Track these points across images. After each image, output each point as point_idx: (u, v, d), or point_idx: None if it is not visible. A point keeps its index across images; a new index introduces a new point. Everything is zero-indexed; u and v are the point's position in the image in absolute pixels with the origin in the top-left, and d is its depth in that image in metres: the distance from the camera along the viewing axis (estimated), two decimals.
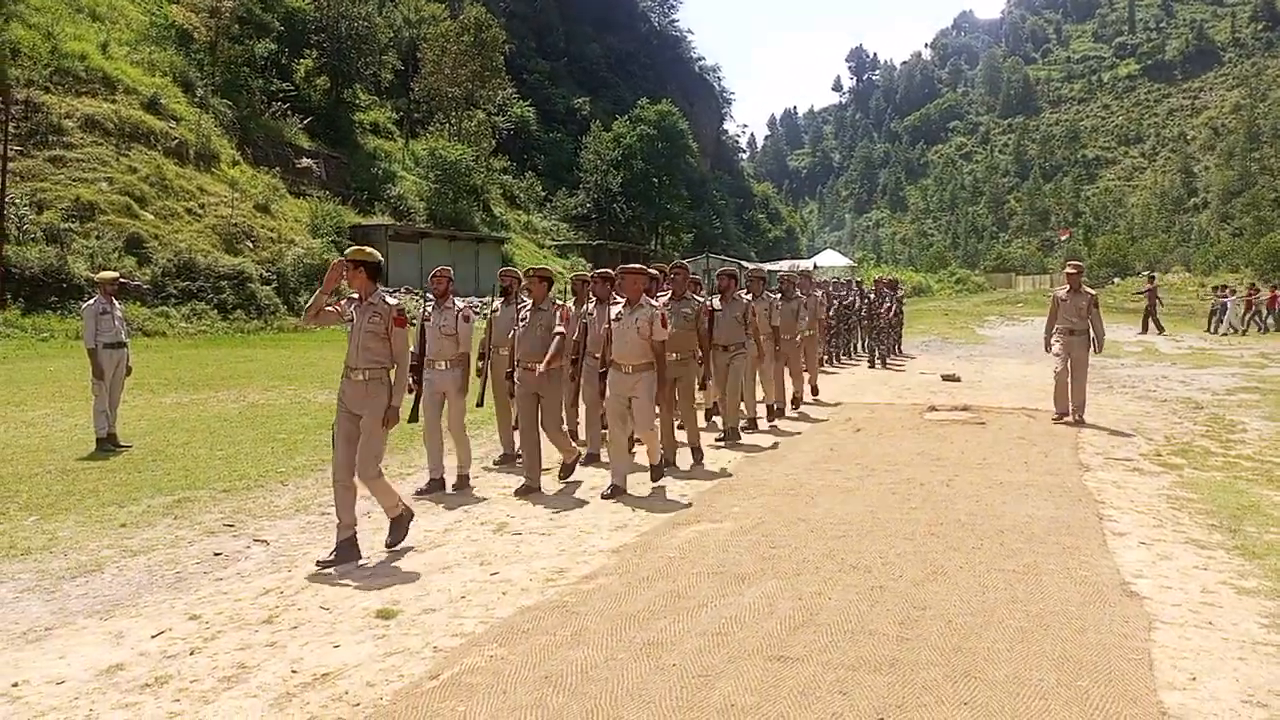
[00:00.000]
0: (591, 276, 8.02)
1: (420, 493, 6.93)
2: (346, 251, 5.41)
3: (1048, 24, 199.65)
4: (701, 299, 8.36)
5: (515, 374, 7.09)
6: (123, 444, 8.58)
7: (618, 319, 7.00)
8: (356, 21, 42.07)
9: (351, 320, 5.32)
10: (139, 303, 21.12)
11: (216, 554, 5.47)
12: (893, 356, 18.38)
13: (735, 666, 3.83)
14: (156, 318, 21.54)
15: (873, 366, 16.81)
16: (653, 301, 7.15)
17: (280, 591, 4.82)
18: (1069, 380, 10.31)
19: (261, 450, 8.58)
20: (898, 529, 5.96)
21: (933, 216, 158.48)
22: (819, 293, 14.26)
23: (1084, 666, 3.83)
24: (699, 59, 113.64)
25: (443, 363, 7.05)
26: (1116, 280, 59.81)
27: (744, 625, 4.30)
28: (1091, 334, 10.40)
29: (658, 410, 7.24)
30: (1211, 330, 27.73)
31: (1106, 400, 12.11)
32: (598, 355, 7.40)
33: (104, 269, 13.50)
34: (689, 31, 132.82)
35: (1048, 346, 10.80)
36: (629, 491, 6.99)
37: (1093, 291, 10.56)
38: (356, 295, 5.37)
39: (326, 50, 41.90)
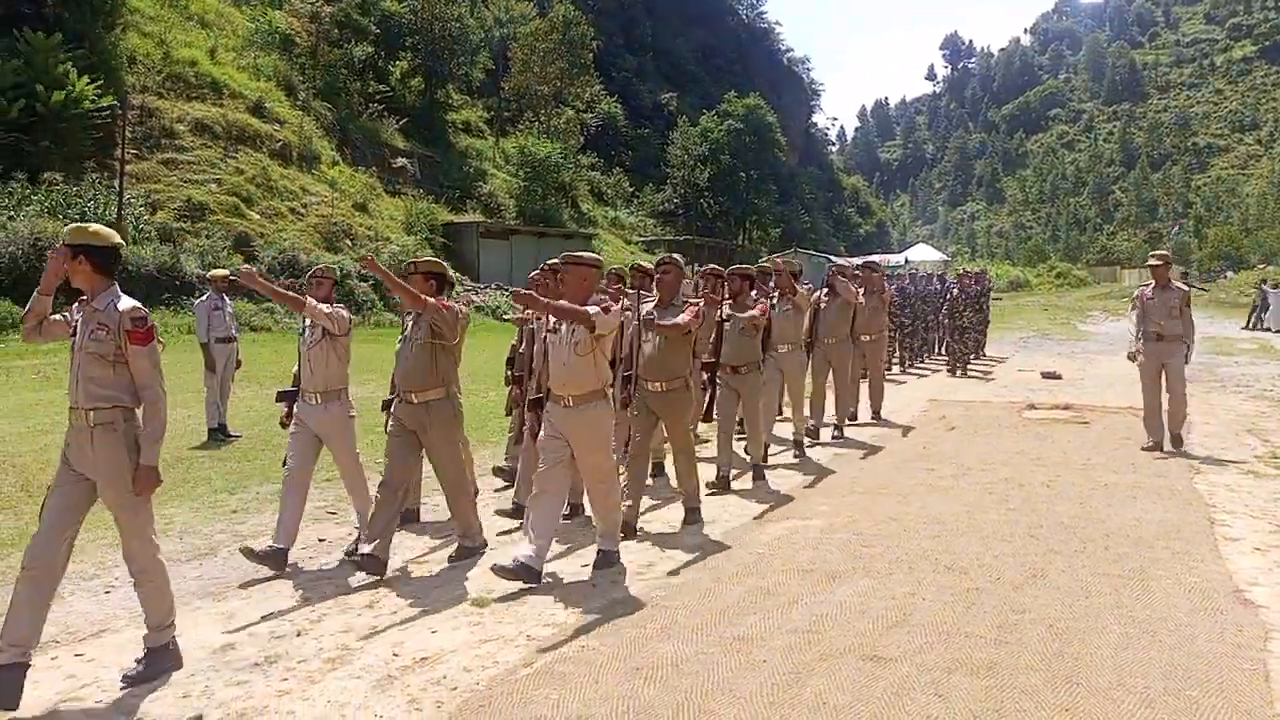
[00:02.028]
0: (541, 269, 6.41)
1: (257, 556, 5.03)
2: (64, 232, 3.70)
3: (1155, 6, 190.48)
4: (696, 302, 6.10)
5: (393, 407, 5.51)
6: (233, 434, 8.98)
7: (554, 330, 5.03)
8: (449, 23, 42.88)
9: (74, 335, 3.71)
10: (247, 299, 22.02)
11: (321, 540, 5.70)
12: (976, 358, 16.66)
13: (827, 665, 3.81)
14: (263, 314, 22.37)
15: (954, 374, 14.87)
16: (613, 304, 5.03)
17: (380, 577, 4.98)
18: (1162, 395, 8.39)
19: (359, 442, 8.83)
20: (995, 530, 5.82)
21: (1031, 208, 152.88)
22: (888, 288, 11.71)
23: (1193, 676, 3.69)
24: (787, 51, 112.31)
25: (314, 395, 5.37)
26: (1230, 274, 56.67)
27: (835, 624, 4.26)
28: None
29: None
30: (1250, 326, 26.10)
31: (1219, 400, 11.57)
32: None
33: (215, 267, 14.12)
34: (777, 23, 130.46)
35: (1134, 357, 8.63)
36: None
37: (1185, 288, 8.77)
38: (84, 297, 3.73)
39: (420, 52, 42.85)
